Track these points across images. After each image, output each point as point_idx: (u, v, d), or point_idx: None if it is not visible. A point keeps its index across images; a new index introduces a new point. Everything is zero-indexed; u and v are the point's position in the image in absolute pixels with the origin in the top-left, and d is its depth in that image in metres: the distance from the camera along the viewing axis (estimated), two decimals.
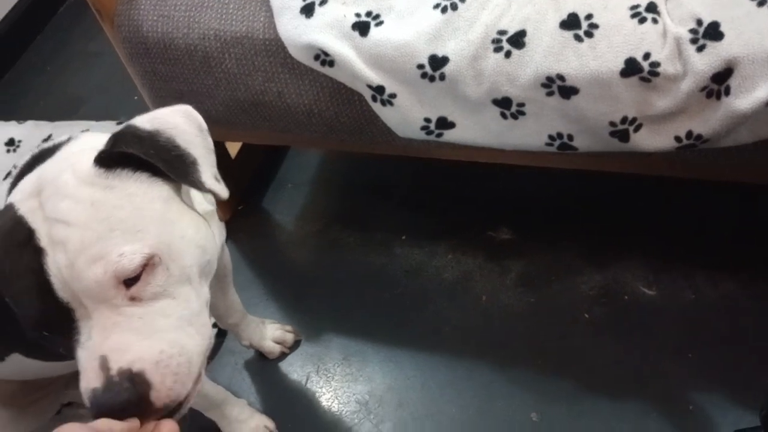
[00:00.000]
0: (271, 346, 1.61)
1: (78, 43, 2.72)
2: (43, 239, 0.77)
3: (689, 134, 1.11)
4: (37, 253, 0.76)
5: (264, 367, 1.62)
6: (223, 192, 0.85)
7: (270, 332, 1.62)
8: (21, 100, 2.55)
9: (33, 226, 0.78)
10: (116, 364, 0.74)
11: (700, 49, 1.04)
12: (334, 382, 1.56)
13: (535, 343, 1.51)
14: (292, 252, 1.87)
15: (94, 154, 0.81)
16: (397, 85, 1.25)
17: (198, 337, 0.81)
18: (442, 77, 1.19)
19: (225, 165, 1.84)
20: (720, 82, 1.05)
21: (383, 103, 1.28)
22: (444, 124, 1.28)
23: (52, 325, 0.78)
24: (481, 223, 1.73)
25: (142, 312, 0.77)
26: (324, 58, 1.27)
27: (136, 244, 0.76)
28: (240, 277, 1.50)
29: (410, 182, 1.90)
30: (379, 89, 1.25)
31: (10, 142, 2.11)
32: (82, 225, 0.76)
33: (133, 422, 0.71)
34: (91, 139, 0.91)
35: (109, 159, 0.80)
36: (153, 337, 0.76)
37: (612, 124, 1.14)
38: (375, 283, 1.70)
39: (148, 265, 0.77)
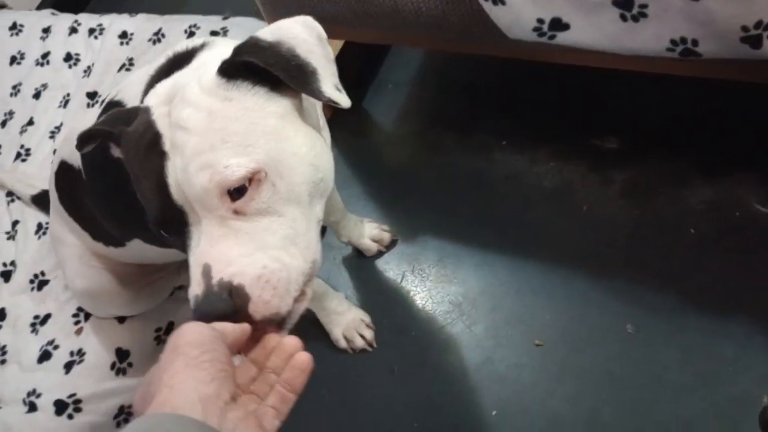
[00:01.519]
0: (368, 244, 1.65)
1: None
2: (167, 144, 0.81)
3: None
4: (161, 156, 0.81)
5: (361, 264, 1.67)
6: (345, 101, 0.84)
7: (368, 231, 1.65)
8: None
9: (161, 130, 0.82)
10: (218, 275, 0.78)
11: None
12: (429, 282, 1.60)
13: (636, 255, 1.48)
14: (390, 152, 1.88)
15: (219, 63, 0.83)
16: None
17: (300, 258, 0.83)
18: None
19: None
20: None
21: (494, 2, 1.23)
22: (558, 25, 1.22)
23: (169, 225, 0.83)
24: (586, 130, 1.67)
25: (249, 227, 0.80)
26: None
27: (244, 158, 0.78)
28: (339, 175, 1.51)
29: (514, 85, 1.85)
30: None
31: (123, 35, 2.16)
32: (198, 132, 0.79)
33: (244, 326, 0.75)
34: (221, 47, 0.94)
35: (232, 69, 0.82)
36: (257, 253, 0.79)
37: (744, 28, 1.06)
38: (473, 187, 1.70)
39: (254, 180, 0.79)
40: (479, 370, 1.45)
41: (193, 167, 0.78)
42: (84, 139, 0.93)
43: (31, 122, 2.10)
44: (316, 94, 0.82)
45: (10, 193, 1.96)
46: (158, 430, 0.55)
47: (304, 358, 0.74)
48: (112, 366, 1.54)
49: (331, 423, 1.47)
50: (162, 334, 1.58)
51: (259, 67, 0.81)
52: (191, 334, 0.66)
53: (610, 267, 1.48)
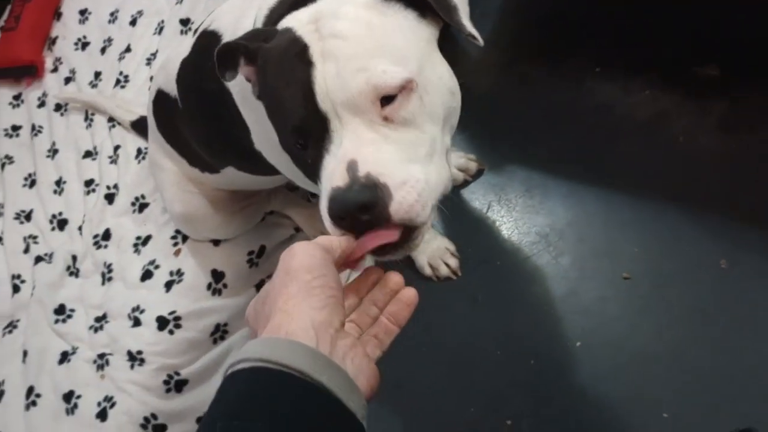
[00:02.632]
0: (454, 173, 1.64)
1: None
2: (315, 54, 0.83)
3: None
4: (308, 65, 0.83)
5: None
6: (479, 38, 0.89)
7: (455, 160, 1.64)
8: None
9: (308, 42, 0.85)
10: (365, 168, 0.79)
11: None
12: (515, 212, 1.59)
13: (732, 189, 1.43)
14: (478, 81, 1.85)
15: None
16: None
17: (437, 178, 0.86)
18: None
19: None
20: None
21: None
22: None
23: (309, 131, 0.85)
24: (685, 57, 1.59)
25: (396, 136, 0.82)
26: None
27: (399, 67, 0.81)
28: None
29: (608, 9, 1.76)
30: None
31: None
32: (357, 39, 0.82)
33: (349, 240, 0.76)
34: None
35: None
36: (404, 162, 0.81)
37: None
38: (562, 116, 1.66)
39: (405, 89, 0.82)
40: (563, 302, 1.45)
41: (348, 70, 0.81)
42: (222, 54, 0.94)
43: (128, 49, 2.17)
44: (460, 26, 0.88)
45: (111, 119, 2.05)
46: (275, 353, 0.58)
47: (411, 294, 0.77)
48: (208, 286, 1.62)
49: (415, 350, 1.51)
50: (254, 257, 1.65)
51: None
52: (303, 257, 0.67)
53: (704, 200, 1.44)
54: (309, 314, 0.63)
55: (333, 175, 0.80)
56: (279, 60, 0.87)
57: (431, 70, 0.86)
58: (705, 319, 1.33)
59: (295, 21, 0.89)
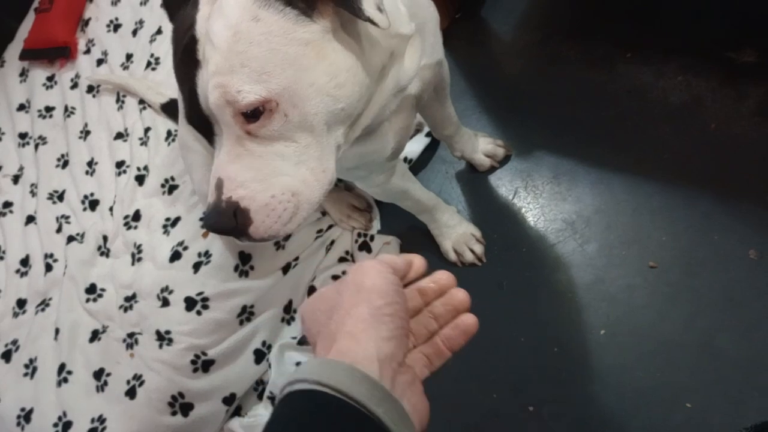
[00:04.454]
0: (481, 159, 1.64)
1: None
2: (200, 53, 0.83)
3: None
4: (194, 65, 0.84)
5: (473, 179, 1.67)
6: (382, 22, 0.81)
7: (482, 145, 1.63)
8: None
9: (198, 35, 0.84)
10: (228, 193, 0.84)
11: None
12: (542, 199, 1.58)
13: (765, 179, 1.40)
14: (508, 63, 1.83)
15: None
16: None
17: (314, 184, 0.87)
18: None
19: None
20: None
21: None
22: None
23: (200, 130, 0.88)
24: (720, 42, 1.55)
25: (262, 151, 0.84)
26: None
27: (257, 86, 0.80)
28: (454, 87, 1.49)
29: None
30: None
31: None
32: (222, 51, 0.80)
33: (422, 261, 0.75)
34: None
35: None
36: (268, 180, 0.84)
37: None
38: (593, 101, 1.63)
39: (266, 109, 0.81)
40: (590, 290, 1.44)
41: (212, 84, 0.81)
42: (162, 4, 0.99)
43: (159, 31, 2.19)
44: (356, 11, 0.80)
45: (141, 101, 2.07)
46: (333, 378, 0.57)
47: (470, 322, 0.73)
48: (236, 268, 1.64)
49: None
50: (281, 240, 1.66)
51: None
52: (377, 278, 0.66)
53: (736, 189, 1.41)
54: (376, 344, 0.62)
55: (209, 184, 0.86)
56: (177, 46, 0.88)
57: (302, 79, 0.82)
58: (733, 309, 1.31)
59: None
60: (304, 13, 0.82)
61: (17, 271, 1.99)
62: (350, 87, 0.86)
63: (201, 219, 0.87)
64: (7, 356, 1.85)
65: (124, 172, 1.99)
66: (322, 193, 0.89)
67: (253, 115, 0.81)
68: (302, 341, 1.55)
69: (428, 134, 1.73)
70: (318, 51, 0.83)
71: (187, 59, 0.84)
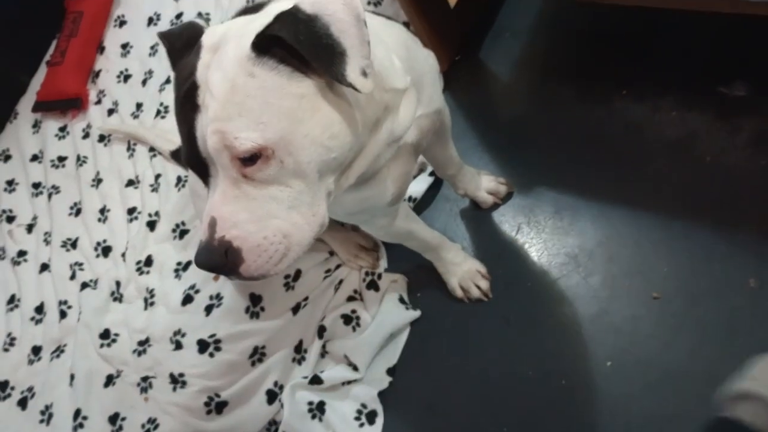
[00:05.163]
0: (484, 197, 1.67)
1: None
2: (200, 98, 0.87)
3: None
4: (194, 109, 0.88)
5: (477, 216, 1.70)
6: (364, 87, 0.84)
7: (484, 183, 1.67)
8: None
9: (199, 82, 0.88)
10: (221, 232, 0.87)
11: None
12: (545, 234, 1.61)
13: (763, 208, 1.43)
14: (507, 102, 1.88)
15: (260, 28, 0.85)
16: None
17: (305, 227, 0.91)
18: None
19: (443, 14, 1.86)
20: None
21: None
22: None
23: (196, 171, 0.92)
24: (711, 77, 1.60)
25: (257, 193, 0.88)
26: None
27: (255, 133, 0.84)
28: (456, 126, 1.54)
29: (635, 31, 1.78)
30: None
31: None
32: (220, 101, 0.85)
33: None
34: (277, 7, 0.92)
35: (263, 42, 0.85)
36: (261, 222, 0.88)
37: None
38: (591, 137, 1.67)
39: (263, 155, 0.85)
40: (594, 322, 1.46)
41: (210, 129, 0.85)
42: (160, 37, 1.04)
43: (168, 81, 2.25)
44: (339, 77, 0.83)
45: (152, 149, 2.13)
46: None
47: None
48: (246, 309, 1.67)
49: (449, 370, 1.54)
50: (291, 281, 1.70)
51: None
52: None
53: (734, 219, 1.44)
54: None
55: (202, 223, 0.90)
56: (178, 90, 0.92)
57: (297, 130, 0.86)
58: (737, 338, 1.32)
59: (210, 37, 0.92)
60: (297, 69, 0.86)
61: (32, 318, 2.02)
62: (343, 138, 0.90)
63: (195, 257, 0.90)
64: (23, 403, 1.87)
65: (136, 218, 2.04)
66: (313, 236, 0.93)
67: (250, 159, 0.85)
68: (313, 380, 1.57)
69: (431, 173, 1.77)
70: (312, 104, 0.87)
71: (187, 103, 0.88)
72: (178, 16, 2.39)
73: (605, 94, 1.72)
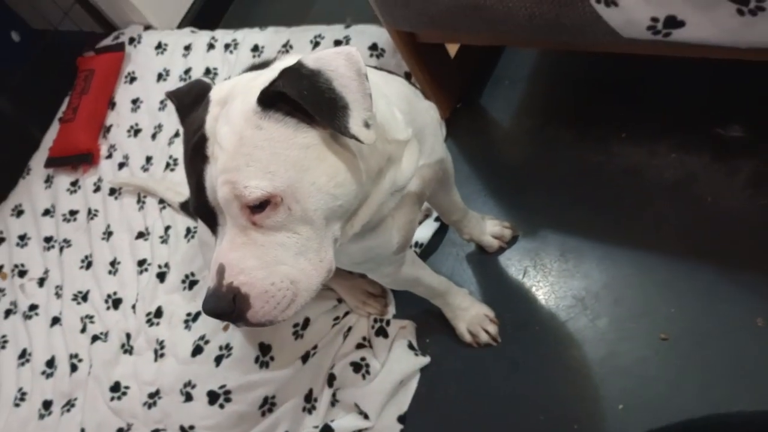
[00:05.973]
0: (490, 241, 1.69)
1: None
2: (209, 150, 0.91)
3: None
4: (203, 160, 0.91)
5: (483, 260, 1.72)
6: (367, 138, 0.87)
7: (489, 228, 1.69)
8: (256, 6, 2.78)
9: (207, 134, 0.91)
10: (229, 278, 0.89)
11: None
12: (551, 277, 1.62)
13: (765, 246, 1.44)
14: (509, 148, 1.91)
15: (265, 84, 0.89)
16: None
17: (313, 273, 0.92)
18: None
19: (444, 64, 1.91)
20: None
21: (607, 3, 1.24)
22: (673, 23, 1.22)
23: (204, 219, 0.95)
24: (708, 119, 1.63)
25: (264, 240, 0.90)
26: None
27: (263, 182, 0.87)
28: (459, 172, 1.57)
29: (631, 77, 1.82)
30: None
31: (255, 48, 2.31)
32: (229, 152, 0.88)
33: None
34: (283, 64, 0.97)
35: (269, 97, 0.88)
36: (269, 268, 0.89)
37: None
38: (592, 181, 1.70)
39: (271, 203, 0.88)
40: (603, 364, 1.46)
41: (220, 180, 0.88)
42: (169, 96, 1.08)
43: (177, 134, 2.30)
44: (342, 130, 0.86)
45: (161, 201, 2.16)
46: None
47: None
48: (256, 359, 1.68)
49: (458, 416, 1.53)
50: (299, 329, 1.71)
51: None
52: None
53: (737, 259, 1.45)
54: None
55: (210, 270, 0.91)
56: (187, 142, 0.95)
57: (304, 179, 0.88)
58: (745, 378, 1.32)
59: (217, 93, 0.96)
60: (303, 121, 0.89)
61: (43, 372, 2.03)
62: (348, 186, 0.93)
63: (203, 304, 0.92)
64: None
65: (146, 270, 2.07)
66: (320, 281, 0.94)
67: (259, 206, 0.87)
68: (324, 430, 1.57)
69: (437, 219, 1.79)
70: (318, 153, 0.90)
71: (196, 155, 0.91)
72: (187, 71, 2.45)
73: (604, 138, 1.75)
